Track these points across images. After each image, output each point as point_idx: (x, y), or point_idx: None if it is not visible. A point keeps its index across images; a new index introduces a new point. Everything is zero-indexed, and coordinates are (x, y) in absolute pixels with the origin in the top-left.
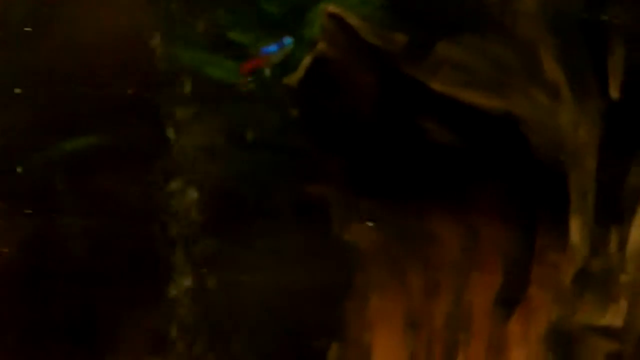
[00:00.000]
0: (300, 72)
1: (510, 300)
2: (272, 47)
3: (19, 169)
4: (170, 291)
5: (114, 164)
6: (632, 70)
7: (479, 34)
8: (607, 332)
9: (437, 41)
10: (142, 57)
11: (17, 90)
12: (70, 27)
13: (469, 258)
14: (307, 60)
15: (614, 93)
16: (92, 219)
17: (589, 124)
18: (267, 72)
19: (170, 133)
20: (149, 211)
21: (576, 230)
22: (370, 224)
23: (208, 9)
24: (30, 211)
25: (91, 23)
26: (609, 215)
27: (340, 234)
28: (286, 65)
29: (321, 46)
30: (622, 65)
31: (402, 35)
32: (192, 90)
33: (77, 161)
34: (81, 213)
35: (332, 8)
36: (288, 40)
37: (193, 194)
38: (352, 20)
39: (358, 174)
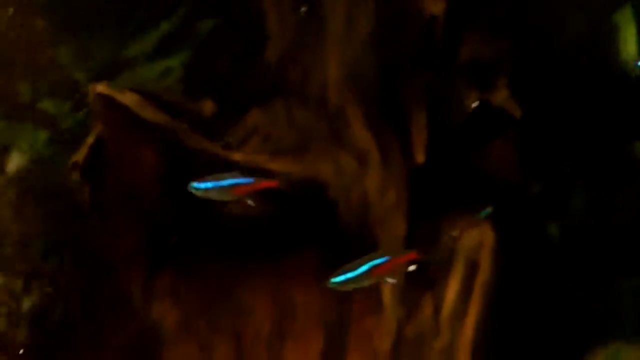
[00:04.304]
0: (84, 151)
1: None
2: None
3: None
4: None
5: None
6: (434, 132)
7: (285, 101)
8: None
9: (245, 109)
10: None
11: None
12: None
13: (284, 327)
14: (90, 139)
15: (420, 158)
16: None
17: (396, 189)
18: None
19: None
20: None
21: (388, 296)
22: None
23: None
24: None
25: None
26: (422, 279)
27: (142, 313)
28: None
29: (97, 126)
30: (425, 130)
31: (210, 102)
32: None
33: None
34: None
35: (100, 88)
36: None
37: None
38: (125, 97)
39: (155, 248)
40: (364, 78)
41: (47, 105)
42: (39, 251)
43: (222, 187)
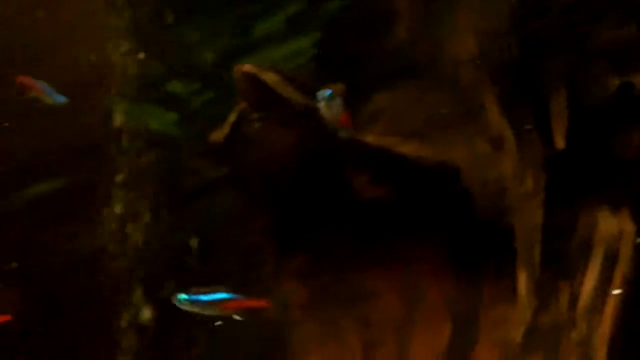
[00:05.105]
0: (226, 129)
1: (457, 355)
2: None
3: None
4: None
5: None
6: (574, 117)
7: (414, 81)
8: None
9: (373, 90)
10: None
11: None
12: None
13: (412, 313)
14: (232, 117)
15: (560, 143)
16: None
17: (533, 175)
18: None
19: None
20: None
21: (523, 285)
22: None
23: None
24: None
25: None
26: (558, 269)
27: (273, 290)
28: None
29: (242, 104)
30: (565, 113)
31: (340, 84)
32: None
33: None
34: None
35: (246, 67)
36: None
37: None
38: (268, 77)
39: (286, 230)
40: (500, 55)
41: (175, 86)
42: (169, 229)
43: (207, 302)
